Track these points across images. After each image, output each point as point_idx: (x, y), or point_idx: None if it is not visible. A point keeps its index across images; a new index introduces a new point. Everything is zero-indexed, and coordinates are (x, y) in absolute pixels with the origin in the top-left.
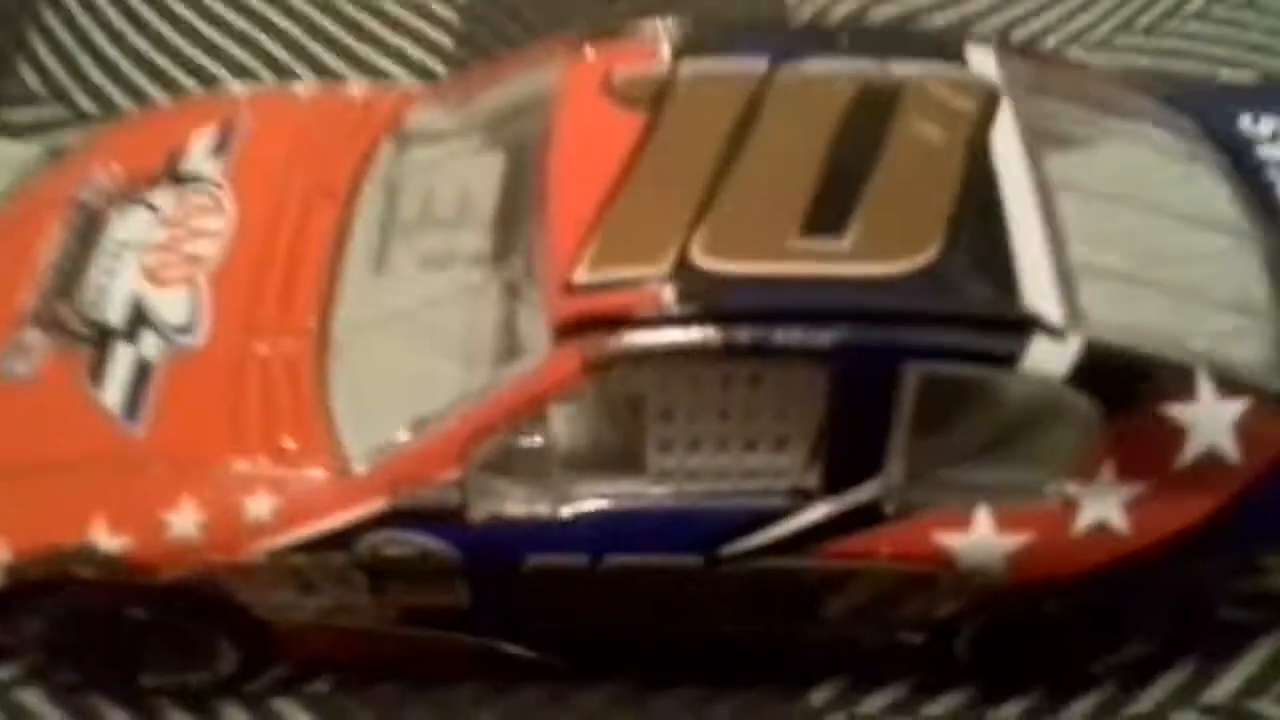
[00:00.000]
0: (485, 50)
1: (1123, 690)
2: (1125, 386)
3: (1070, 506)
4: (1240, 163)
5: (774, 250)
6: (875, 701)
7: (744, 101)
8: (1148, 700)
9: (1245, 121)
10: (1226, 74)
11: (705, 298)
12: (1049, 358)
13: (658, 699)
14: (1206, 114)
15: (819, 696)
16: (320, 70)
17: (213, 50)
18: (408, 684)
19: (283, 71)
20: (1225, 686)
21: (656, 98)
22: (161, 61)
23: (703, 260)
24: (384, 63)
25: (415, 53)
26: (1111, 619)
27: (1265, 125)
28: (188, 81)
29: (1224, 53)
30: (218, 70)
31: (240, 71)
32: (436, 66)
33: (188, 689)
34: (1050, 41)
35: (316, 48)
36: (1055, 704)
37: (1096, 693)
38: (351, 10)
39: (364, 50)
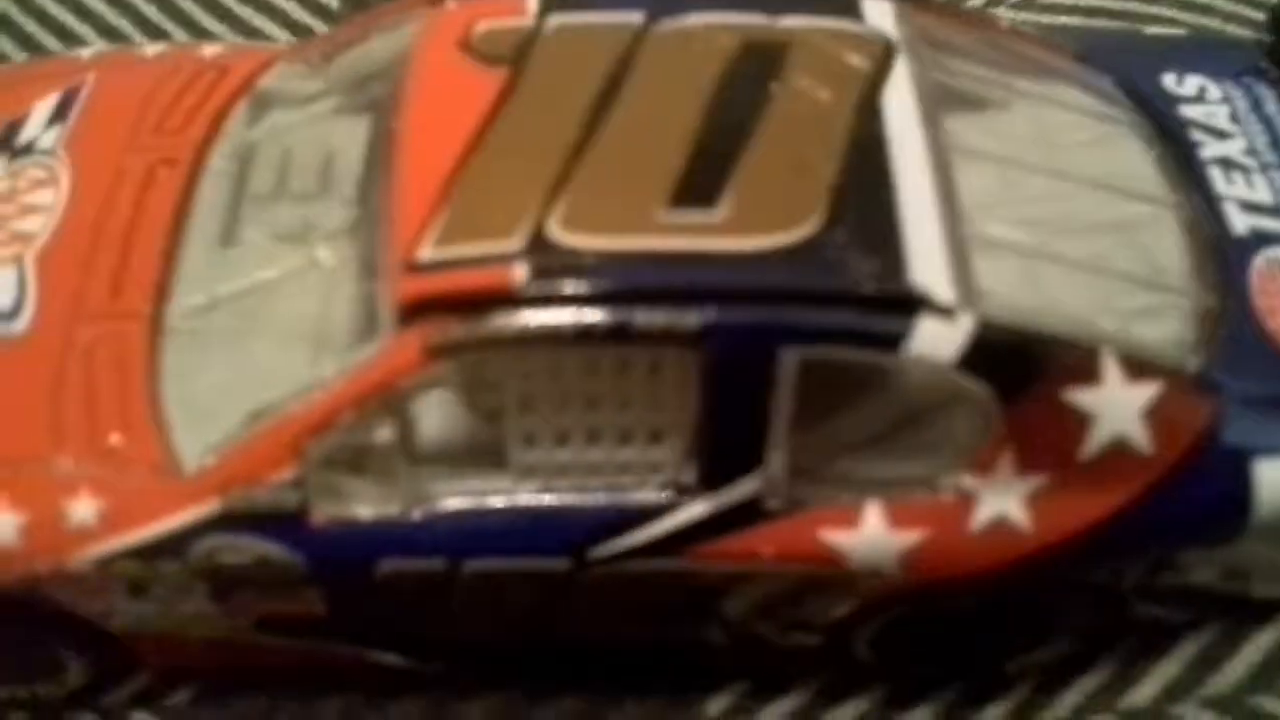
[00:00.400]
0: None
1: (1038, 693)
2: (1023, 371)
3: (967, 501)
4: (1162, 124)
5: (639, 223)
6: (776, 709)
7: (614, 58)
8: (1065, 704)
9: (1169, 79)
10: (1154, 31)
11: (562, 276)
12: (938, 340)
13: (544, 710)
14: (1126, 72)
15: (716, 706)
16: (198, 33)
17: (81, 11)
18: (275, 695)
19: (156, 34)
20: (1146, 690)
21: (519, 54)
22: (27, 25)
23: (561, 235)
24: (265, 24)
25: (298, 14)
26: (1022, 618)
27: (1190, 83)
28: (46, 38)
29: (1160, 10)
30: (85, 32)
31: (110, 35)
32: (321, 27)
33: (38, 700)
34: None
35: (193, 8)
36: (967, 708)
37: (1011, 696)
38: None
39: (244, 11)
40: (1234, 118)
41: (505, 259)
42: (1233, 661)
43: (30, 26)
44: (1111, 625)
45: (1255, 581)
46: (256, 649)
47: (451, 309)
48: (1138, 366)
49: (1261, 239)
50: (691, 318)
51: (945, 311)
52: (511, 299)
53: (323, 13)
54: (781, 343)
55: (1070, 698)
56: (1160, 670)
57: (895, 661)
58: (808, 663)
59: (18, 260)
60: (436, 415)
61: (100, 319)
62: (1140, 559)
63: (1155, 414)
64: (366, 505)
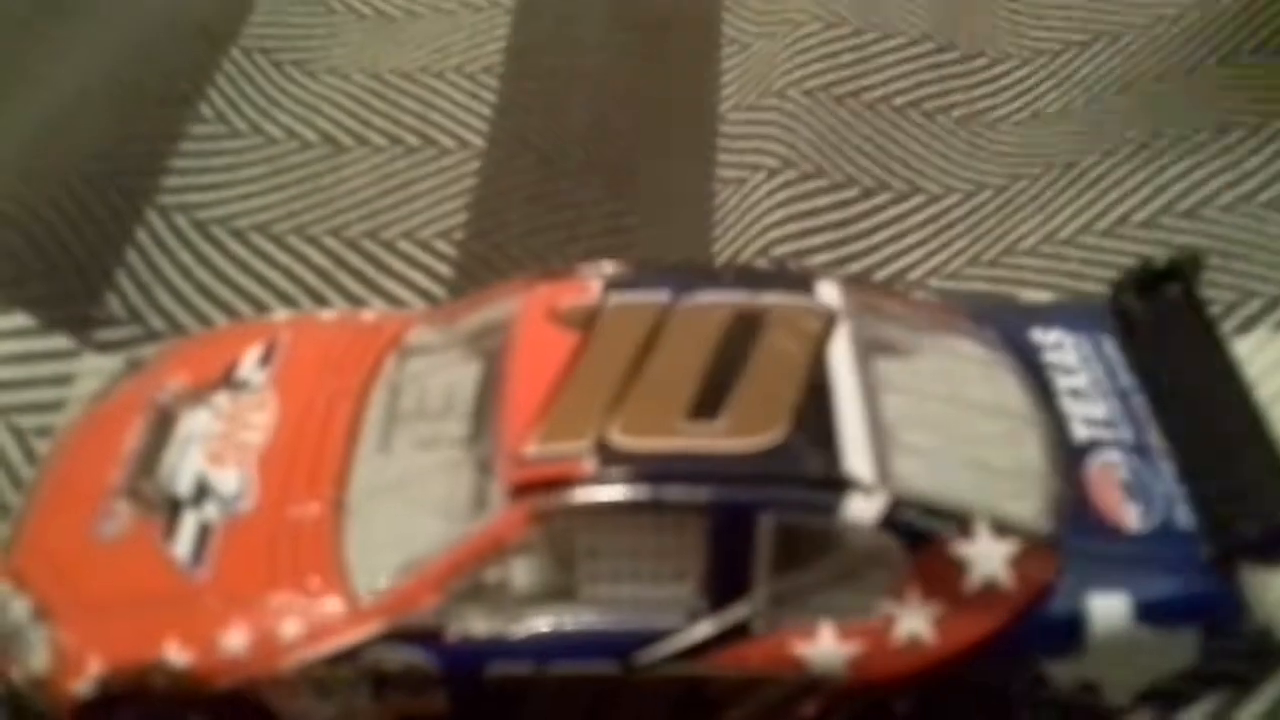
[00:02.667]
0: (477, 278)
1: None
2: (922, 530)
3: (890, 621)
4: (1029, 364)
5: (668, 430)
6: None
7: (651, 323)
8: None
9: (1036, 333)
10: (1035, 295)
11: (618, 466)
12: (863, 508)
13: None
14: (1006, 327)
15: None
16: (347, 295)
17: (261, 280)
18: None
19: (316, 297)
20: None
21: (588, 320)
22: (220, 290)
23: (617, 439)
24: (398, 289)
25: (422, 280)
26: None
27: (1051, 336)
28: (241, 305)
29: (1045, 279)
30: (265, 296)
31: (282, 298)
32: (438, 291)
33: None
34: (916, 273)
35: (344, 277)
36: None
37: None
38: (371, 247)
39: (381, 279)
40: (1081, 359)
41: (580, 455)
42: None
43: (226, 294)
44: None
45: (1106, 692)
46: None
47: (545, 489)
48: (1002, 528)
49: (1095, 444)
50: (701, 493)
51: (867, 490)
52: (584, 482)
53: (440, 279)
54: (760, 511)
55: None
56: None
57: None
58: None
59: (242, 461)
60: (528, 564)
61: (301, 501)
62: (1015, 668)
63: (1015, 562)
64: (482, 625)
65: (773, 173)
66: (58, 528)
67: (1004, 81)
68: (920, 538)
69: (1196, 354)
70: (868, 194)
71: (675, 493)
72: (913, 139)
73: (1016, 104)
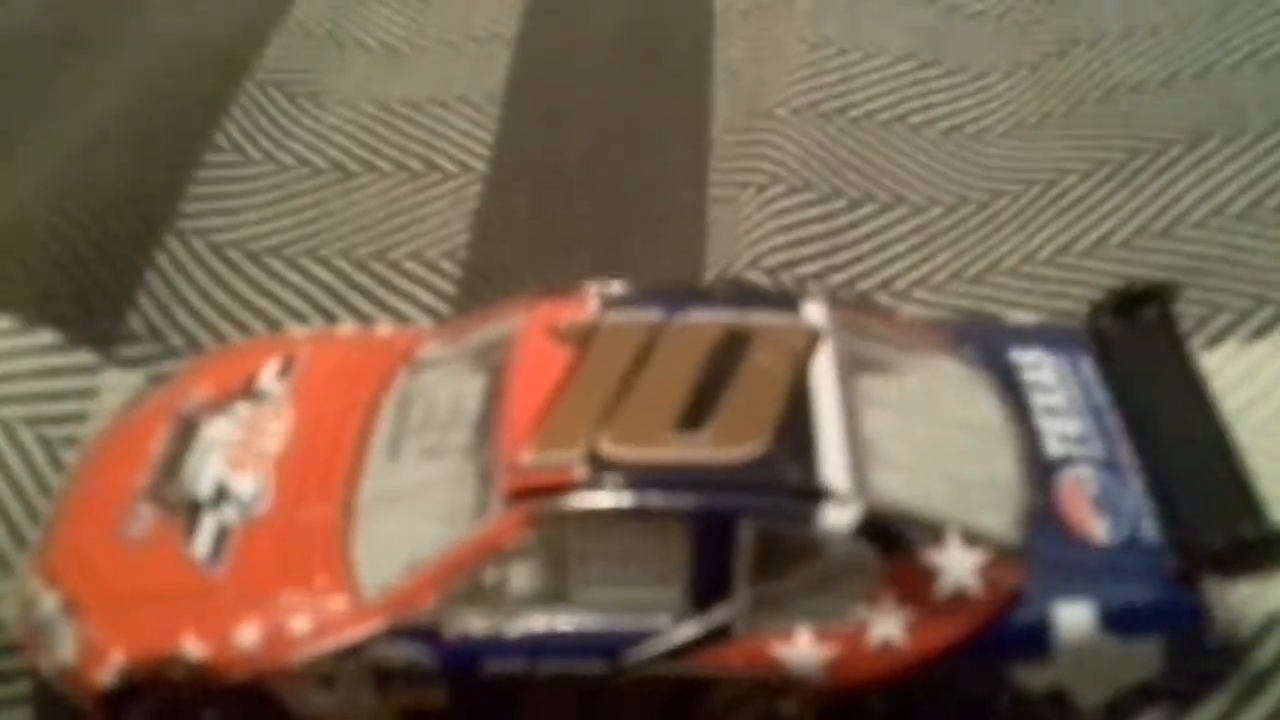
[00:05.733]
0: (480, 296)
1: None
2: (895, 539)
3: (864, 626)
4: (1007, 382)
5: (656, 441)
6: None
7: (644, 340)
8: None
9: (1014, 353)
10: (1017, 314)
11: (607, 474)
12: (838, 517)
13: None
14: (987, 346)
15: None
16: (356, 314)
17: (275, 300)
18: None
19: (327, 315)
20: None
21: (586, 338)
22: (236, 309)
23: (607, 449)
24: (404, 306)
25: (428, 299)
26: (919, 716)
27: (1029, 356)
28: (256, 324)
29: (1025, 299)
30: (278, 315)
31: (295, 316)
32: (444, 309)
33: None
34: (899, 284)
35: (353, 296)
36: None
37: None
38: (379, 267)
39: (389, 298)
40: (1058, 378)
41: (572, 464)
42: None
43: (242, 313)
44: None
45: (1074, 697)
46: None
47: (539, 494)
48: (972, 538)
49: (1068, 460)
50: (687, 500)
51: (843, 500)
52: (575, 489)
53: (445, 297)
54: (741, 518)
55: None
56: None
57: None
58: None
59: (259, 467)
60: (524, 568)
61: (313, 504)
62: (983, 672)
63: (984, 570)
64: (478, 624)
65: (761, 188)
66: (86, 528)
67: (987, 94)
68: (894, 546)
69: (1168, 374)
70: (853, 206)
71: (660, 500)
72: (897, 152)
73: (999, 115)
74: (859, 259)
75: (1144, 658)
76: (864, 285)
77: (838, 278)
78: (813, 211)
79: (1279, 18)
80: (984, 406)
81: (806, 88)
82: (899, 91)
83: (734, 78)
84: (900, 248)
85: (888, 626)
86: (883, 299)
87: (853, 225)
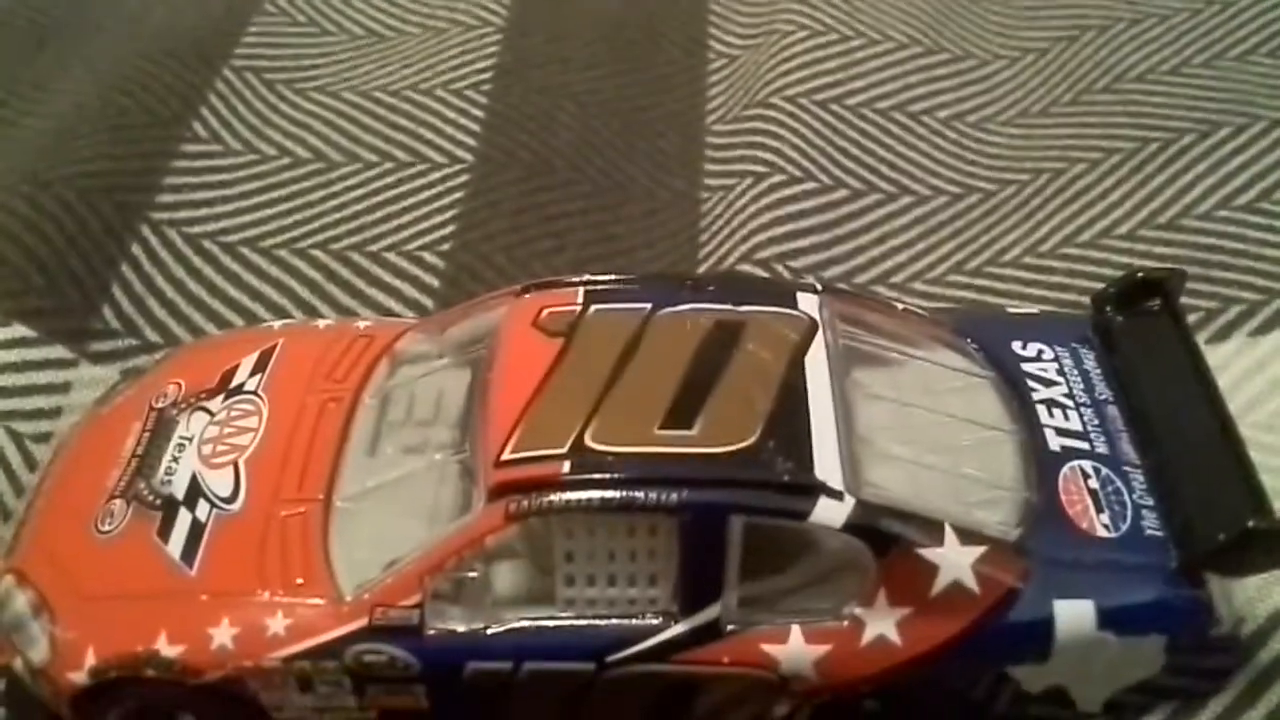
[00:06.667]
0: (464, 290)
1: None
2: (889, 535)
3: (858, 624)
4: (1008, 375)
5: (642, 438)
6: None
7: (631, 333)
8: None
9: (1016, 345)
10: (1017, 305)
11: (593, 470)
12: (831, 513)
13: None
14: (988, 338)
15: None
16: (337, 307)
17: (253, 293)
18: None
19: (306, 309)
20: None
21: (570, 330)
22: (212, 303)
23: (593, 444)
24: (387, 300)
25: (410, 292)
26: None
27: (1030, 348)
28: (233, 318)
29: (1029, 292)
30: (256, 309)
31: (273, 310)
32: (427, 302)
33: None
34: (900, 276)
35: (334, 290)
36: None
37: None
38: (360, 260)
39: (370, 291)
40: (1060, 371)
41: (557, 458)
42: None
43: (219, 307)
44: None
45: (1074, 696)
46: None
47: (523, 490)
48: (969, 535)
49: (1069, 454)
50: (674, 496)
51: (836, 495)
52: (560, 484)
53: (428, 291)
54: (731, 514)
55: None
56: None
57: None
58: None
59: (234, 464)
60: (508, 568)
61: (290, 502)
62: (980, 671)
63: (981, 567)
64: (460, 623)
65: (759, 178)
66: (58, 526)
67: (991, 81)
68: (888, 543)
69: (1172, 367)
70: (855, 196)
71: (647, 495)
72: (899, 140)
73: (1004, 102)
74: (859, 250)
75: (1146, 656)
76: (863, 277)
77: (836, 270)
78: (811, 202)
79: None
80: (983, 400)
81: (806, 75)
82: (902, 79)
83: (730, 64)
84: (901, 239)
85: (882, 625)
86: (882, 291)
87: (852, 216)
